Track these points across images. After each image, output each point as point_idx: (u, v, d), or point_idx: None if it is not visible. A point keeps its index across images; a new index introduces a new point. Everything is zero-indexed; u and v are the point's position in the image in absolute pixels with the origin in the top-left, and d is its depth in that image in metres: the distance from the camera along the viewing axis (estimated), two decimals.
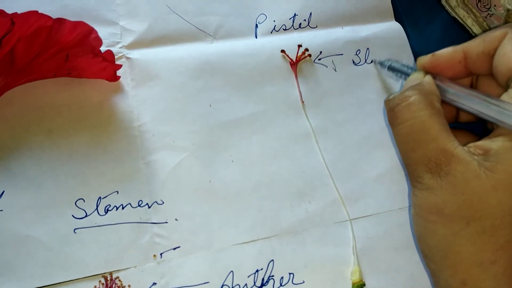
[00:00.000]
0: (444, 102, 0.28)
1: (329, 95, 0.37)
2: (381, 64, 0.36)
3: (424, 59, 0.30)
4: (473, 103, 0.27)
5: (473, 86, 0.30)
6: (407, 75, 0.32)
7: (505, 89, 0.26)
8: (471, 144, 0.26)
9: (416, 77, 0.30)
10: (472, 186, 0.24)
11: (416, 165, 0.26)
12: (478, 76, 0.30)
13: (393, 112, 0.27)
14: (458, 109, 0.31)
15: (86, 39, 0.31)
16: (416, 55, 0.41)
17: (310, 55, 0.38)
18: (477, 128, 0.30)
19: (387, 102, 0.28)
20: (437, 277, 0.26)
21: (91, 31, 0.31)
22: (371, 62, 0.39)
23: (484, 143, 0.25)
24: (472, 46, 0.28)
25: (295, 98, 0.36)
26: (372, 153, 0.36)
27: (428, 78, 0.29)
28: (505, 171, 0.23)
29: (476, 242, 0.24)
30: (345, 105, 0.37)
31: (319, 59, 0.38)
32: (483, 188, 0.24)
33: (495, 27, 0.34)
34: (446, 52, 0.29)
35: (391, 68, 0.35)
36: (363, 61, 0.39)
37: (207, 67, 0.36)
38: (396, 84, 0.38)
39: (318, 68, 0.38)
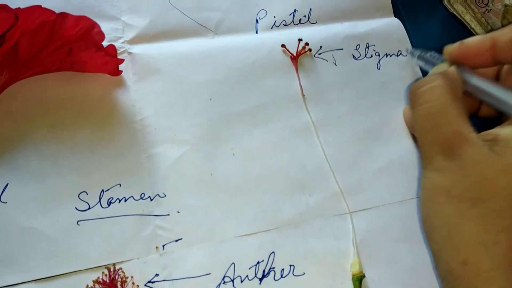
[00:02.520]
0: (466, 94, 0.29)
1: (329, 89, 0.37)
2: (412, 54, 0.37)
3: (452, 47, 0.31)
4: (494, 93, 0.28)
5: (498, 78, 0.31)
6: (435, 64, 0.33)
7: None
8: (483, 132, 0.27)
9: (442, 67, 0.31)
10: (482, 169, 0.25)
11: (430, 145, 0.27)
12: (502, 68, 0.31)
13: (415, 93, 0.28)
14: (480, 102, 0.32)
15: (89, 33, 0.31)
16: None
17: (310, 50, 0.38)
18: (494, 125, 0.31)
19: (411, 86, 0.29)
20: (438, 258, 0.27)
21: (93, 25, 0.31)
22: (371, 56, 0.39)
23: (495, 130, 0.26)
24: (500, 35, 0.28)
25: (296, 92, 0.37)
26: (372, 146, 0.36)
27: (453, 67, 0.29)
28: None
29: (479, 223, 0.24)
30: (345, 98, 0.37)
31: (319, 54, 0.38)
32: (492, 171, 0.24)
33: (496, 29, 0.35)
34: (474, 40, 0.30)
35: (420, 58, 0.35)
36: (363, 55, 0.39)
37: (208, 61, 0.37)
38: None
39: (318, 63, 0.38)
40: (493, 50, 0.29)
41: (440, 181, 0.26)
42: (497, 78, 0.32)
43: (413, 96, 0.28)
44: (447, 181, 0.25)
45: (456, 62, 0.30)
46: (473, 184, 0.25)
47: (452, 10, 0.44)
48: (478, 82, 0.29)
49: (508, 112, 0.28)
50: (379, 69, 0.39)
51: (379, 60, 0.40)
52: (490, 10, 0.41)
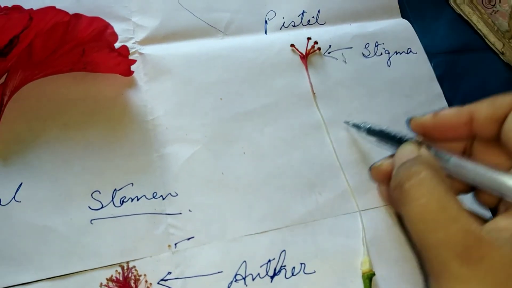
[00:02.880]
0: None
1: (339, 87, 0.38)
2: (357, 126, 0.34)
3: (423, 119, 0.28)
4: (480, 177, 0.24)
5: (466, 152, 0.28)
6: (393, 141, 0.30)
7: None
8: (490, 226, 0.23)
9: (410, 149, 0.27)
10: None
11: (439, 249, 0.23)
12: (472, 143, 0.28)
13: (401, 189, 0.25)
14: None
15: (102, 34, 0.32)
16: None
17: (319, 49, 0.39)
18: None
19: (392, 182, 0.26)
20: None
21: (107, 26, 0.32)
22: (381, 54, 0.40)
23: (508, 223, 0.23)
24: (480, 109, 0.26)
25: (306, 90, 0.37)
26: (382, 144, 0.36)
27: (425, 151, 0.27)
28: None
29: None
30: (355, 96, 0.38)
31: (329, 53, 0.39)
32: None
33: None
34: (450, 112, 0.27)
35: (371, 132, 0.32)
36: (372, 53, 0.40)
37: (218, 61, 0.37)
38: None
39: (328, 61, 0.39)
40: (471, 124, 0.27)
41: None
42: (464, 153, 0.29)
43: (399, 193, 0.25)
44: None
45: (423, 134, 0.27)
46: None
47: (459, 11, 0.44)
48: (459, 163, 0.25)
49: (505, 197, 0.24)
50: (389, 66, 0.40)
51: (389, 58, 0.40)
52: (497, 11, 0.42)
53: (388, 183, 0.29)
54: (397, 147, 0.30)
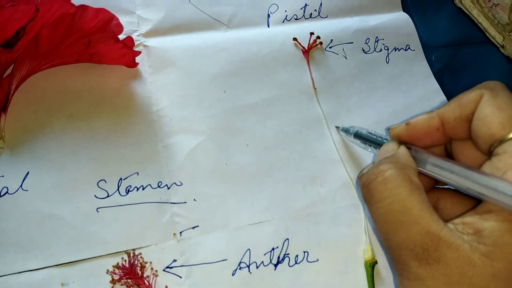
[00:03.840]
0: (421, 174, 0.26)
1: (340, 82, 0.38)
2: (346, 131, 0.35)
3: (398, 129, 0.27)
4: (456, 177, 0.24)
5: (447, 152, 0.28)
6: (377, 144, 0.30)
7: (488, 156, 0.24)
8: (458, 221, 0.23)
9: (389, 148, 0.27)
10: (469, 276, 0.21)
11: (400, 250, 0.23)
12: (452, 141, 0.28)
13: (367, 188, 0.25)
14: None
15: (107, 26, 0.32)
16: (423, 45, 0.42)
17: (321, 43, 0.39)
18: None
19: (360, 177, 0.26)
20: None
21: (112, 17, 0.32)
22: (380, 50, 0.40)
23: (474, 220, 0.23)
24: (448, 111, 0.26)
25: (307, 84, 0.38)
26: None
27: (403, 149, 0.26)
28: (505, 258, 0.21)
29: None
30: (355, 91, 0.38)
31: (330, 47, 0.39)
32: (482, 278, 0.21)
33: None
34: (421, 120, 0.27)
35: (358, 136, 0.33)
36: (372, 49, 0.40)
37: (221, 54, 0.37)
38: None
39: (329, 56, 0.39)
40: (443, 128, 0.26)
41: None
42: (445, 151, 0.29)
43: (365, 192, 0.25)
44: None
45: (404, 143, 0.27)
46: None
47: (459, 4, 0.44)
48: (434, 163, 0.25)
49: (476, 196, 0.23)
50: (388, 63, 0.40)
51: (388, 54, 0.40)
52: (498, 4, 0.42)
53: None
54: None
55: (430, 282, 0.22)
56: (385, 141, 0.30)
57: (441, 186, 0.28)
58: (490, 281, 0.21)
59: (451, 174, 0.24)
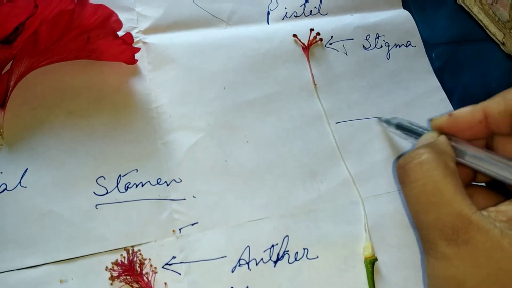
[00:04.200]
0: (460, 165, 0.26)
1: (340, 78, 0.38)
2: (388, 122, 0.35)
3: (440, 120, 0.28)
4: (495, 167, 0.25)
5: (488, 147, 0.29)
6: (418, 134, 0.31)
7: None
8: (491, 209, 0.23)
9: (430, 137, 0.28)
10: (498, 259, 0.22)
11: (429, 229, 0.24)
12: (494, 136, 0.28)
13: (403, 169, 0.25)
14: (476, 172, 0.29)
15: (106, 22, 0.32)
16: (423, 42, 0.42)
17: (321, 40, 0.39)
18: (495, 185, 0.29)
19: (398, 159, 0.26)
20: None
21: (111, 14, 0.32)
22: (381, 47, 0.40)
23: (508, 208, 0.23)
24: (492, 105, 0.26)
25: (308, 81, 0.37)
26: (382, 134, 0.37)
27: (443, 137, 0.27)
28: None
29: None
30: (355, 87, 0.38)
31: (330, 44, 0.39)
32: (510, 262, 0.21)
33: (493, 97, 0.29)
34: (464, 112, 0.27)
35: (400, 127, 0.33)
36: (373, 46, 0.40)
37: (221, 51, 0.37)
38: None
39: (329, 52, 0.39)
40: (487, 121, 0.27)
41: (450, 271, 0.23)
42: (487, 146, 0.29)
43: (401, 173, 0.25)
44: (457, 271, 0.23)
45: (445, 134, 0.28)
46: (489, 277, 0.22)
47: (460, 2, 0.44)
48: (474, 154, 0.26)
49: None
50: (388, 59, 0.40)
51: (389, 51, 0.40)
52: (498, 1, 0.42)
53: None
54: None
55: (456, 262, 0.23)
56: (425, 131, 0.30)
57: (478, 183, 0.29)
58: None
59: (490, 165, 0.25)
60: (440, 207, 0.23)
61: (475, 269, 0.22)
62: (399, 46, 0.41)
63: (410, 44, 0.41)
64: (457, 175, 0.24)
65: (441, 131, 0.28)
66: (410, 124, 0.32)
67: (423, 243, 0.25)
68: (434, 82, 0.40)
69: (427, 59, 0.41)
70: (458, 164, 0.26)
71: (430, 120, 0.29)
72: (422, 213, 0.24)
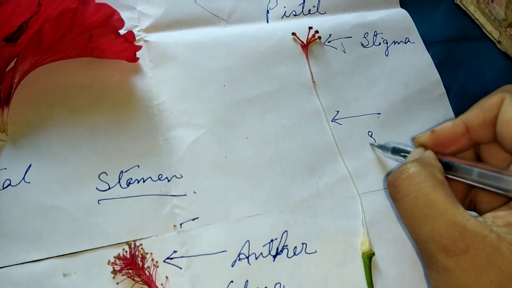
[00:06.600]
0: (454, 181, 0.27)
1: (339, 76, 0.39)
2: (382, 147, 0.34)
3: (423, 137, 0.28)
4: (486, 179, 0.25)
5: (477, 155, 0.29)
6: (407, 152, 0.31)
7: None
8: (488, 215, 0.23)
9: (416, 153, 0.28)
10: (498, 265, 0.22)
11: (427, 242, 0.24)
12: (480, 145, 0.28)
13: (393, 186, 0.25)
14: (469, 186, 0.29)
15: (109, 20, 0.32)
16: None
17: (320, 38, 0.39)
18: None
19: (387, 177, 0.27)
20: None
21: (113, 12, 0.33)
22: (379, 44, 0.40)
23: (505, 214, 0.23)
24: (471, 117, 0.27)
25: (306, 78, 0.38)
26: (379, 131, 0.37)
27: (428, 152, 0.28)
28: None
29: None
30: (354, 84, 0.39)
31: (329, 42, 0.40)
32: (511, 266, 0.21)
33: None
34: (446, 127, 0.28)
35: (396, 150, 0.33)
36: (371, 43, 0.40)
37: (221, 49, 0.38)
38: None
39: (328, 50, 0.39)
40: (469, 133, 0.27)
41: (453, 283, 0.23)
42: (475, 156, 0.29)
43: (392, 190, 0.26)
44: (459, 282, 0.22)
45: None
46: (492, 284, 0.22)
47: (457, 1, 0.45)
48: (463, 167, 0.26)
49: (508, 195, 0.24)
50: (387, 56, 0.40)
51: (387, 48, 0.41)
52: (494, 0, 0.43)
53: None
54: None
55: (457, 272, 0.22)
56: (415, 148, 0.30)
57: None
58: None
59: (477, 177, 0.25)
60: (434, 218, 0.23)
61: (477, 277, 0.22)
62: (398, 43, 0.41)
63: (409, 40, 0.41)
64: (447, 185, 0.25)
65: (426, 148, 0.28)
66: (405, 147, 0.32)
67: (423, 257, 0.25)
68: (434, 76, 0.40)
69: (427, 53, 0.41)
70: (454, 181, 0.26)
71: (413, 138, 0.29)
72: (417, 227, 0.24)
